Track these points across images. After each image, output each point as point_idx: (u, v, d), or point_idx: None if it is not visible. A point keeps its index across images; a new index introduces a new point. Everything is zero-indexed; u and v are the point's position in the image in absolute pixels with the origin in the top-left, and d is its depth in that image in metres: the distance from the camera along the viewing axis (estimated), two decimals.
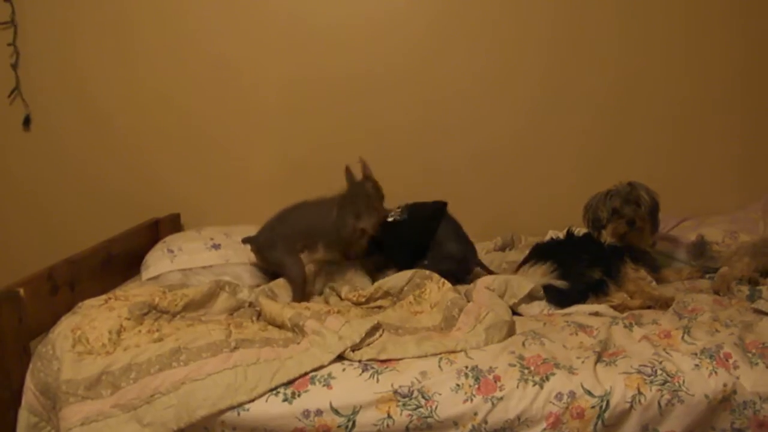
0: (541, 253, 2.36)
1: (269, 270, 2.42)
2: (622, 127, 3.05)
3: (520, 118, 3.05)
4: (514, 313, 2.07)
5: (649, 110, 3.03)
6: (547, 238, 2.51)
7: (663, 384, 1.63)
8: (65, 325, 1.90)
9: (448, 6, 2.97)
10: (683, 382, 1.64)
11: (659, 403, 1.61)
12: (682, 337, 1.81)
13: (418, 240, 2.44)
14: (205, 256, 2.45)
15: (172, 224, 2.98)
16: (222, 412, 1.64)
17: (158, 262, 2.45)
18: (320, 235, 2.33)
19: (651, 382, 1.64)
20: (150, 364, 1.72)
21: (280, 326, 1.91)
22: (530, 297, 2.15)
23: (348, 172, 2.35)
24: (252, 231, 2.37)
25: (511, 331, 1.87)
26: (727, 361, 1.68)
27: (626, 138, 3.05)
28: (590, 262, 2.26)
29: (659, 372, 1.66)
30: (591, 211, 2.40)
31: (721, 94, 3.02)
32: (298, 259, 2.29)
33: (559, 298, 2.17)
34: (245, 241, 2.39)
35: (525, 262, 2.35)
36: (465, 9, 2.97)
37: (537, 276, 2.22)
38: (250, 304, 2.14)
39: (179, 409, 1.64)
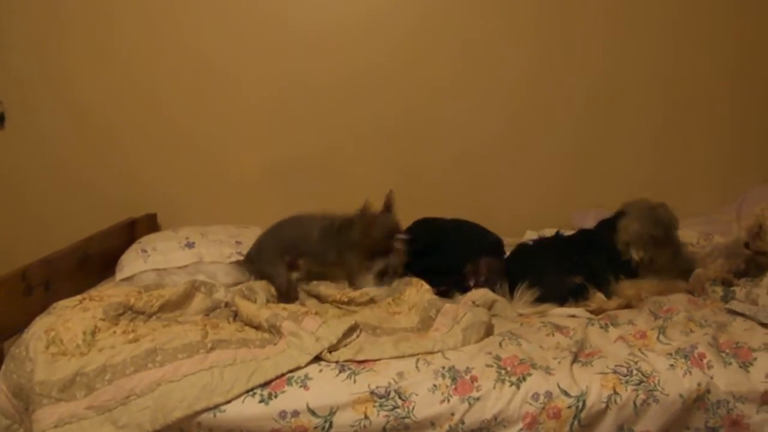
0: (522, 259, 2.36)
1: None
2: (603, 129, 3.06)
3: (501, 120, 3.05)
4: None
5: (629, 113, 3.05)
6: (525, 238, 2.51)
7: (638, 384, 1.65)
8: (39, 325, 1.88)
9: (430, 7, 2.96)
10: (658, 382, 1.65)
11: (635, 403, 1.63)
12: (658, 338, 1.83)
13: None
14: (178, 255, 2.43)
15: (149, 224, 2.96)
16: (198, 413, 1.63)
17: (132, 262, 2.43)
18: (301, 252, 2.34)
19: (626, 382, 1.65)
20: (125, 365, 1.70)
21: (257, 327, 1.90)
22: None
23: (365, 204, 2.29)
24: (230, 231, 2.35)
25: (488, 332, 1.88)
26: (701, 360, 1.69)
27: (607, 140, 3.07)
28: (571, 269, 2.26)
29: (635, 372, 1.67)
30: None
31: (701, 99, 3.05)
32: (282, 268, 2.29)
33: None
34: (240, 264, 2.41)
35: (509, 267, 2.35)
36: (447, 9, 2.96)
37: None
38: (227, 304, 2.12)
39: (155, 411, 1.62)
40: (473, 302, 2.07)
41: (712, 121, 3.07)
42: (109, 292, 2.07)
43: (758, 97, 3.05)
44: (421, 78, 3.01)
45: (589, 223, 2.57)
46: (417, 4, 2.97)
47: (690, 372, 1.66)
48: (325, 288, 2.26)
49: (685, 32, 3.00)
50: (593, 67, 3.02)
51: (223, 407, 1.63)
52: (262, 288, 2.23)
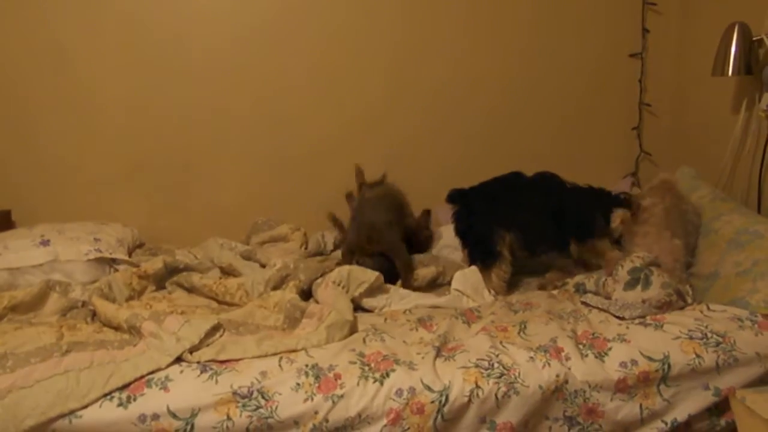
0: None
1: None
2: (457, 123, 3.10)
3: (342, 119, 3.03)
4: (359, 308, 2.10)
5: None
6: None
7: (500, 377, 1.68)
8: None
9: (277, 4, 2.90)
10: (519, 374, 1.69)
11: (496, 396, 1.66)
12: (519, 333, 1.87)
13: None
14: (32, 253, 2.31)
15: (2, 221, 2.77)
16: (52, 420, 1.57)
17: None
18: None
19: (488, 375, 1.69)
20: None
21: (116, 328, 1.84)
22: (373, 290, 2.16)
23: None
24: (88, 228, 2.24)
25: (352, 330, 1.88)
26: (559, 353, 1.75)
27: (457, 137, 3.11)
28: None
29: (496, 365, 1.71)
30: None
31: (568, 100, 3.12)
32: (402, 243, 2.42)
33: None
34: (343, 257, 2.42)
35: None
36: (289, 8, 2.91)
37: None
38: (84, 304, 2.05)
39: (5, 421, 1.55)
40: (333, 282, 2.07)
41: (578, 120, 3.15)
42: None
43: (618, 99, 3.15)
44: (273, 72, 2.94)
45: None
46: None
47: (549, 364, 1.71)
48: (199, 278, 2.21)
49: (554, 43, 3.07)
50: (447, 65, 3.04)
51: (79, 413, 1.57)
52: (119, 285, 2.16)
